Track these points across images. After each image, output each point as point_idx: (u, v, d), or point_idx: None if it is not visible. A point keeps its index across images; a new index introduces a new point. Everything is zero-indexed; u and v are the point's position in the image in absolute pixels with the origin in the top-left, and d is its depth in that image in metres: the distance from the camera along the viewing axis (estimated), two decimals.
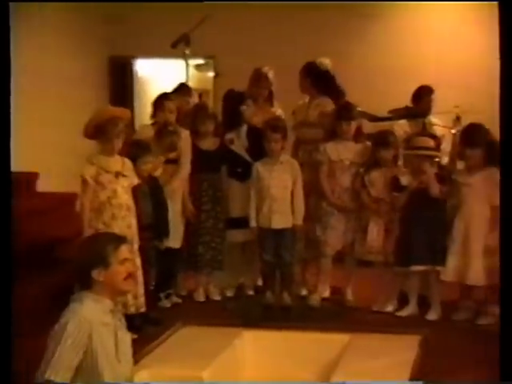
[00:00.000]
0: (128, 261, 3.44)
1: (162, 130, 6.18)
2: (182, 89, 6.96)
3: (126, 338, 3.46)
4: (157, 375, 4.67)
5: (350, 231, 6.27)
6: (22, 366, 3.77)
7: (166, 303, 6.26)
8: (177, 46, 7.49)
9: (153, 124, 6.41)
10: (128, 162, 5.47)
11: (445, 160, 6.56)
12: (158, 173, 6.04)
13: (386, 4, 8.90)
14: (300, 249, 6.45)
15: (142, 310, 5.43)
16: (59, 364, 3.12)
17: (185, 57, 7.58)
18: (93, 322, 3.22)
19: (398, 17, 9.05)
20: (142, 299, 5.43)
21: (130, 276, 3.48)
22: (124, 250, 3.41)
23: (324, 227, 6.29)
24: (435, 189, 5.85)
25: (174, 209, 6.20)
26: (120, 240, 3.48)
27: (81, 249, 3.62)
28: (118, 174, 5.34)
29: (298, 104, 6.72)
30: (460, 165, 6.20)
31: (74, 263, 3.60)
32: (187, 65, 7.66)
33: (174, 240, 6.20)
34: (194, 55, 7.98)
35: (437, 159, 6.14)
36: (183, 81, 7.39)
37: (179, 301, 6.41)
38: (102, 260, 3.29)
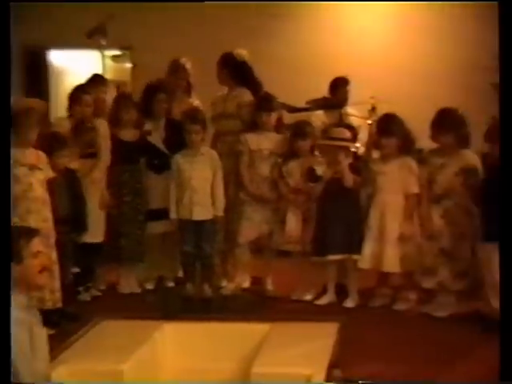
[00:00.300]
0: (42, 254, 3.38)
1: (79, 126, 6.10)
2: (97, 80, 6.87)
3: (42, 333, 3.40)
4: (75, 371, 4.59)
5: (266, 222, 6.32)
6: None
7: (86, 297, 6.20)
8: (92, 37, 7.38)
9: (69, 117, 6.31)
10: (42, 155, 5.37)
11: (361, 150, 6.68)
12: (75, 166, 5.95)
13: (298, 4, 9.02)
14: (220, 240, 6.47)
15: (59, 305, 5.35)
16: None
17: (101, 48, 7.48)
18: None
19: (309, 16, 9.18)
20: (58, 294, 5.34)
21: (45, 269, 3.42)
22: (37, 243, 3.34)
23: (239, 217, 6.32)
24: (349, 180, 5.95)
25: (93, 202, 6.13)
26: (32, 233, 3.41)
27: None
28: (32, 167, 5.24)
29: (216, 95, 6.72)
30: (376, 154, 6.33)
31: None
32: (103, 56, 7.56)
33: (95, 234, 6.13)
34: (111, 46, 7.88)
35: (353, 149, 6.25)
36: (99, 72, 7.29)
37: (99, 294, 6.34)
38: (14, 255, 3.22)
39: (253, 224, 6.31)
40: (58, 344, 4.70)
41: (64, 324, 5.30)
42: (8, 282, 3.16)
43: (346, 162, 6.01)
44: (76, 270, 5.98)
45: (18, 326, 3.19)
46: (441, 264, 5.64)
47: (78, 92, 6.32)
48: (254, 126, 6.35)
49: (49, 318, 4.09)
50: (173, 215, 6.22)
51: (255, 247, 6.49)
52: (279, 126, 6.44)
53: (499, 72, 3.14)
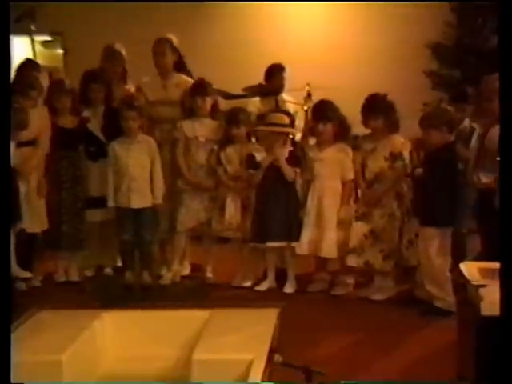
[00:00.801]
0: None
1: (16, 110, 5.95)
2: (29, 65, 6.73)
3: None
4: (14, 361, 4.54)
5: (205, 209, 6.31)
6: None
7: (22, 286, 6.08)
8: (21, 21, 7.21)
9: None
10: None
11: (298, 136, 6.72)
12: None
13: None
14: (159, 228, 6.44)
15: None
16: None
17: (30, 33, 7.32)
18: None
19: (245, 3, 9.18)
20: None
21: None
22: None
23: (177, 205, 6.31)
24: (289, 173, 5.99)
25: (30, 190, 6.01)
26: None
27: None
28: None
29: (148, 81, 6.63)
30: (312, 141, 6.38)
31: None
32: (33, 41, 7.40)
33: (35, 222, 6.03)
34: (41, 32, 7.72)
35: (291, 136, 6.28)
36: (30, 57, 7.14)
37: (37, 284, 6.24)
38: None
39: (191, 211, 6.30)
40: None
41: None
42: (8, 281, 3.06)
43: (284, 149, 6.04)
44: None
45: None
46: (368, 245, 5.75)
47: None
48: (189, 112, 6.32)
49: None
50: (110, 203, 6.17)
51: (194, 234, 6.48)
52: (215, 113, 6.42)
53: (499, 72, 3.15)
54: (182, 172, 6.30)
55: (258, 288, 6.13)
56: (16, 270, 6.08)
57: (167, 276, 6.38)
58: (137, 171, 6.12)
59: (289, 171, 5.98)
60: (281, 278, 6.16)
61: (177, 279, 6.38)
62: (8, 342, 0.70)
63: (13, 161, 5.78)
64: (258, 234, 6.06)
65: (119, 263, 6.56)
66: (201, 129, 6.30)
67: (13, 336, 4.93)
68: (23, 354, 4.65)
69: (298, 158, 6.05)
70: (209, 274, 6.41)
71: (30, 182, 6.03)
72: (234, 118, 6.21)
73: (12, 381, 4.27)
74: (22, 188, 5.92)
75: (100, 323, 5.37)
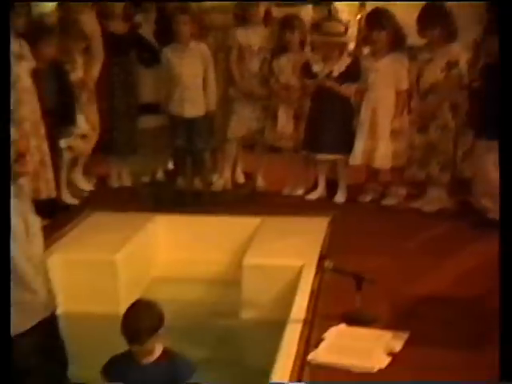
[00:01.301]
0: (15, 142, 3.28)
1: (65, 18, 5.94)
2: None
3: (36, 221, 3.39)
4: (69, 260, 4.69)
5: (256, 118, 6.27)
6: None
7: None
8: None
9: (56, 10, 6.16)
10: (25, 45, 5.24)
11: (351, 46, 6.58)
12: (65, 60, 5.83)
13: None
14: (211, 136, 6.45)
15: (53, 195, 5.33)
16: None
17: None
18: None
19: None
20: (51, 184, 5.32)
21: (21, 156, 3.35)
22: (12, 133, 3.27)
23: (230, 113, 6.29)
24: (345, 91, 5.88)
25: (85, 96, 6.04)
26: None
27: None
28: (18, 57, 5.12)
29: None
30: (366, 51, 6.25)
31: None
32: None
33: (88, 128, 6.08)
34: None
35: (346, 46, 6.15)
36: None
37: (91, 188, 6.35)
38: None
39: (242, 120, 6.27)
40: (52, 234, 4.76)
41: (57, 214, 5.31)
42: (8, 282, 3.10)
43: (341, 61, 5.91)
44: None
45: (12, 213, 3.19)
46: (429, 157, 5.69)
47: None
48: (242, 20, 6.21)
49: (42, 208, 4.07)
50: (164, 111, 6.19)
51: (246, 143, 6.48)
52: (268, 20, 6.30)
53: (499, 72, 3.05)
54: (234, 80, 6.24)
55: (308, 197, 6.14)
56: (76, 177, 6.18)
57: (219, 183, 6.42)
58: (190, 80, 6.08)
59: (344, 90, 5.87)
60: (331, 187, 6.15)
61: (228, 186, 6.42)
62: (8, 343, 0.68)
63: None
64: (311, 145, 6.03)
65: (171, 168, 6.61)
66: (254, 37, 6.20)
67: (70, 235, 5.11)
68: (80, 252, 4.82)
69: (354, 72, 5.90)
70: (260, 183, 6.43)
71: (84, 89, 6.03)
72: (287, 23, 6.08)
73: (65, 276, 4.40)
74: (77, 94, 5.91)
75: (153, 226, 5.51)
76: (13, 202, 3.20)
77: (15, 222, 3.19)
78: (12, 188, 3.21)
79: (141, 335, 2.95)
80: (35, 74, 5.29)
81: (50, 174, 5.32)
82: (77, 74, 5.91)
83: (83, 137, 5.98)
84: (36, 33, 5.43)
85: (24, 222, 3.27)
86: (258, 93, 6.23)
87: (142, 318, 2.99)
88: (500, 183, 2.73)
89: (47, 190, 5.27)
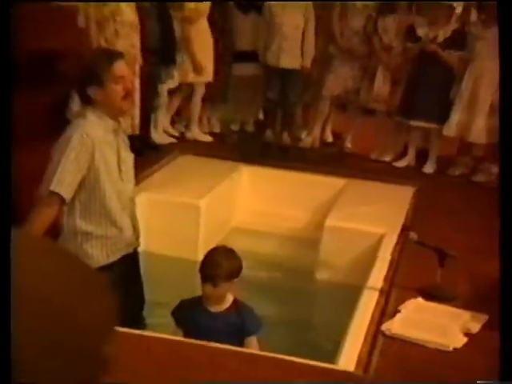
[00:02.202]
0: (125, 79, 3.23)
1: None
2: None
3: (129, 158, 3.40)
4: (154, 200, 4.74)
5: (353, 77, 6.16)
6: (24, 177, 3.76)
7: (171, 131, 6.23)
8: None
9: None
10: None
11: (458, 10, 6.35)
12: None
13: None
14: (304, 90, 6.38)
15: (137, 132, 5.33)
16: (62, 178, 3.09)
17: None
18: (95, 138, 3.14)
19: None
20: (137, 121, 5.34)
21: (129, 94, 3.35)
22: (119, 68, 3.20)
23: (326, 70, 6.19)
24: (449, 58, 5.69)
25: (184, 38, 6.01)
26: (114, 56, 3.25)
27: (78, 65, 3.48)
28: None
29: None
30: (474, 17, 6.02)
31: (72, 80, 3.50)
32: None
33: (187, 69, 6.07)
34: None
35: (455, 7, 5.93)
36: None
37: (181, 130, 6.37)
38: (95, 78, 3.13)
39: (339, 78, 6.16)
40: (140, 172, 4.80)
41: (146, 153, 5.35)
42: (7, 282, 3.09)
43: (448, 25, 5.71)
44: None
45: (107, 147, 3.22)
46: None
47: None
48: None
49: (133, 145, 4.10)
50: (260, 60, 6.14)
51: (339, 102, 6.38)
52: None
53: (499, 72, 2.86)
54: (335, 37, 6.13)
55: (396, 164, 6.03)
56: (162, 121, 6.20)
57: (307, 140, 6.36)
58: (290, 30, 6.00)
59: (448, 57, 5.68)
60: (421, 157, 6.01)
61: (316, 144, 6.36)
62: (8, 342, 0.68)
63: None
64: (406, 110, 5.89)
65: (261, 120, 6.58)
66: None
67: (157, 175, 5.16)
68: (166, 193, 4.87)
69: (460, 38, 5.69)
70: (348, 144, 6.35)
71: (185, 31, 6.00)
72: None
73: (145, 216, 4.43)
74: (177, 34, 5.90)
75: (238, 175, 5.52)
76: (108, 136, 3.23)
77: (109, 156, 3.23)
78: (109, 122, 3.24)
79: (217, 277, 2.97)
80: (140, 10, 5.29)
81: (137, 111, 5.33)
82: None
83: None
84: None
85: (117, 157, 3.29)
86: (358, 51, 6.10)
87: (221, 262, 3.01)
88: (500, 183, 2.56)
89: (132, 127, 5.29)
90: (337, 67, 6.15)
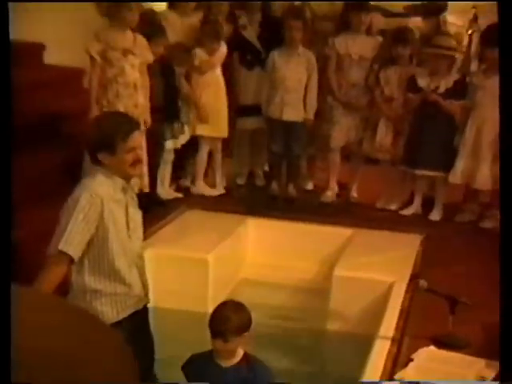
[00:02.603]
0: (137, 148, 3.28)
1: (206, 17, 6.06)
2: None
3: (137, 215, 3.44)
4: (162, 255, 4.75)
5: (355, 128, 6.20)
6: (29, 237, 3.79)
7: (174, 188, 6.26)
8: None
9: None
10: (141, 39, 5.30)
11: (459, 61, 6.43)
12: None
13: None
14: (308, 142, 6.42)
15: (146, 190, 5.37)
16: (71, 237, 3.12)
17: None
18: (104, 197, 3.19)
19: None
20: (145, 179, 5.38)
21: (138, 162, 3.36)
22: (134, 139, 3.24)
23: (329, 122, 6.24)
24: (451, 108, 5.74)
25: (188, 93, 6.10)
26: (132, 126, 3.29)
27: (92, 127, 3.51)
28: (125, 52, 5.19)
29: None
30: (474, 66, 6.09)
31: (84, 140, 3.53)
32: None
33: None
34: None
35: (456, 58, 6.01)
36: None
37: (188, 185, 6.38)
38: (109, 146, 3.18)
39: (342, 129, 6.22)
40: (147, 228, 4.82)
41: (153, 209, 5.36)
42: (7, 282, 3.14)
43: (449, 76, 5.78)
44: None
45: (115, 205, 3.25)
46: None
47: None
48: (344, 27, 6.15)
49: (140, 201, 4.13)
50: (263, 113, 6.21)
51: (343, 153, 6.41)
52: (369, 29, 6.21)
53: (499, 72, 2.90)
54: (332, 90, 6.17)
55: (403, 212, 6.03)
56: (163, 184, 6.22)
57: (324, 195, 6.29)
58: (293, 84, 6.07)
59: (449, 106, 5.74)
60: (427, 204, 6.02)
61: (331, 197, 6.32)
62: (8, 343, 0.69)
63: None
64: (410, 160, 5.91)
65: (266, 172, 6.63)
66: (354, 46, 6.11)
67: (164, 230, 5.18)
68: (173, 248, 4.88)
69: (461, 88, 5.75)
70: (354, 194, 6.36)
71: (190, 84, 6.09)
72: (401, 36, 5.95)
73: (153, 272, 4.44)
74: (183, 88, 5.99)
75: (245, 229, 5.53)
76: (117, 194, 3.26)
77: (118, 214, 3.26)
78: (119, 181, 3.27)
79: (227, 332, 2.96)
80: (148, 69, 5.38)
81: (144, 169, 5.36)
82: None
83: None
84: (150, 29, 5.52)
85: (126, 215, 3.32)
86: (357, 103, 6.16)
87: (231, 316, 3.00)
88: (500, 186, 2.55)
89: (141, 185, 5.32)
90: (339, 118, 6.21)
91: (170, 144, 5.82)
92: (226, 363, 3.05)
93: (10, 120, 1.48)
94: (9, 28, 1.64)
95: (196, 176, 6.29)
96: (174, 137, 5.81)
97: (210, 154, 6.33)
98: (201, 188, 6.23)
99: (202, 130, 6.10)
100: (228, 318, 2.99)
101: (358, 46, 6.11)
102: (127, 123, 3.33)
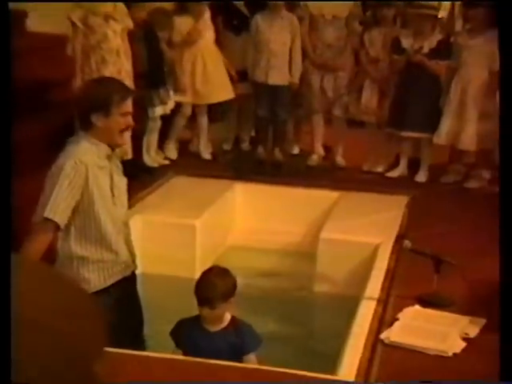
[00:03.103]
0: (129, 115, 3.32)
1: None
2: None
3: (122, 182, 3.44)
4: (149, 222, 4.77)
5: (333, 90, 6.16)
6: (22, 204, 3.78)
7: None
8: None
9: None
10: (121, 6, 5.28)
11: (442, 16, 6.41)
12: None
13: None
14: (293, 106, 6.40)
15: (128, 156, 5.28)
16: (56, 204, 3.12)
17: None
18: (89, 164, 3.18)
19: None
20: (128, 146, 5.32)
21: (127, 129, 3.41)
22: (129, 104, 3.29)
23: (307, 85, 6.21)
24: (435, 68, 5.72)
25: (177, 60, 6.05)
26: (127, 93, 3.35)
27: (86, 90, 3.53)
28: (107, 17, 5.17)
29: None
30: (458, 26, 6.08)
31: (75, 104, 3.53)
32: None
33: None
34: None
35: (439, 18, 6.00)
36: None
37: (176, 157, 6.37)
38: (104, 107, 3.19)
39: (319, 91, 6.18)
40: (134, 195, 4.83)
41: (139, 176, 5.36)
42: (7, 282, 3.12)
43: (432, 37, 5.76)
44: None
45: (100, 172, 3.25)
46: None
47: None
48: None
49: (126, 169, 4.14)
50: (249, 78, 6.19)
51: (327, 116, 6.40)
52: None
53: (499, 73, 2.92)
54: (307, 52, 6.12)
55: (389, 174, 6.05)
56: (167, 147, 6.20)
57: (310, 158, 6.28)
58: (277, 47, 6.04)
59: (434, 66, 5.73)
60: (413, 166, 6.05)
61: (317, 161, 6.32)
62: (8, 343, 0.70)
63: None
64: (395, 122, 5.92)
65: (253, 137, 6.63)
66: (326, 5, 6.03)
67: (151, 197, 5.19)
68: (160, 214, 4.89)
69: (445, 48, 5.74)
70: (339, 157, 6.36)
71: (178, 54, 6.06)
72: None
73: (141, 238, 4.46)
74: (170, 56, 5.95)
75: (232, 194, 5.55)
76: (102, 161, 3.26)
77: (103, 181, 3.26)
78: (104, 148, 3.27)
79: (213, 299, 2.99)
80: (129, 36, 5.35)
81: (128, 135, 5.32)
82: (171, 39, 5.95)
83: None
84: None
85: (110, 182, 3.32)
86: (333, 64, 6.09)
87: (216, 283, 3.03)
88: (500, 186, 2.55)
89: (123, 152, 5.27)
90: (315, 80, 6.17)
91: (159, 110, 5.78)
92: (214, 328, 3.09)
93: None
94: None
95: (168, 139, 6.25)
96: (163, 103, 5.78)
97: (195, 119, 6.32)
98: (170, 152, 6.19)
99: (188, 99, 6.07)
100: (214, 285, 3.01)
101: (330, 6, 6.03)
102: (124, 88, 3.41)
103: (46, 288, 0.82)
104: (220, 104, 6.29)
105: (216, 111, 6.40)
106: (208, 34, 6.13)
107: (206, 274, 3.13)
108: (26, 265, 0.86)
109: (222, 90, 6.17)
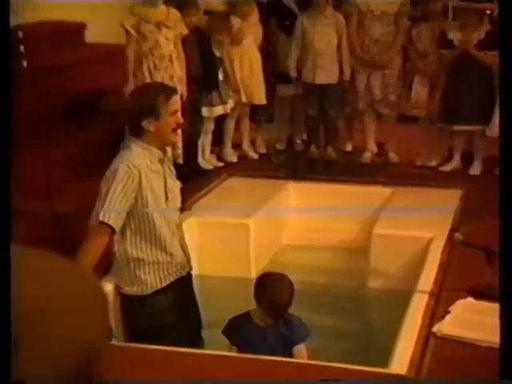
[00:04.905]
0: (177, 113, 3.45)
1: None
2: None
3: (175, 185, 3.54)
4: (204, 223, 4.87)
5: (380, 87, 6.14)
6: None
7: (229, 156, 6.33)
8: None
9: None
10: (174, 12, 5.38)
11: (495, 12, 6.34)
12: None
13: None
14: (344, 104, 6.43)
15: (180, 161, 5.37)
16: (111, 208, 3.23)
17: None
18: (142, 168, 3.29)
19: None
20: (179, 150, 5.41)
21: (179, 127, 3.52)
22: (174, 102, 3.41)
23: (353, 83, 6.19)
24: (483, 58, 5.67)
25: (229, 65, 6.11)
26: (171, 91, 3.46)
27: (132, 98, 3.65)
28: (159, 25, 5.29)
29: None
30: None
31: (125, 112, 3.64)
32: None
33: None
34: None
35: (488, 12, 5.95)
36: None
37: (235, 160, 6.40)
38: (152, 110, 3.30)
39: (366, 88, 6.18)
40: (188, 197, 4.94)
41: (194, 178, 5.46)
42: (8, 282, 3.19)
43: (481, 28, 5.72)
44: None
45: (153, 176, 3.36)
46: None
47: None
48: None
49: (181, 172, 4.24)
50: (292, 74, 6.20)
51: (377, 113, 6.39)
52: None
53: (499, 73, 2.89)
54: (354, 49, 6.11)
55: (442, 168, 6.03)
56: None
57: (363, 156, 6.30)
58: (322, 46, 6.06)
59: (483, 57, 5.68)
60: (466, 159, 6.01)
61: (369, 158, 6.34)
62: (8, 343, 0.73)
63: None
64: (447, 116, 5.89)
65: (305, 137, 6.68)
66: (375, 1, 6.02)
67: (205, 199, 5.30)
68: (214, 215, 4.99)
69: (495, 39, 5.68)
70: (392, 153, 6.35)
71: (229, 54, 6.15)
72: None
73: (196, 240, 4.55)
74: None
75: (285, 193, 5.61)
76: (155, 165, 3.37)
77: (156, 184, 3.36)
78: (157, 152, 3.37)
79: (280, 311, 3.09)
80: (183, 41, 5.45)
81: (179, 140, 5.41)
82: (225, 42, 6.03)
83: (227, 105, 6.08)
84: (183, 1, 5.59)
85: (164, 185, 3.42)
86: (380, 60, 6.08)
87: (282, 294, 3.12)
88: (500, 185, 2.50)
89: (175, 156, 5.36)
90: (362, 77, 6.17)
91: (219, 110, 5.89)
92: (265, 323, 3.16)
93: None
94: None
95: (224, 143, 6.34)
96: (211, 105, 5.87)
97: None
98: (229, 156, 6.29)
99: (241, 99, 6.16)
100: (279, 297, 3.10)
101: (380, 3, 6.04)
102: (165, 88, 3.52)
103: (50, 280, 0.85)
104: (264, 106, 6.35)
105: (262, 113, 6.46)
106: (253, 35, 6.18)
107: (271, 283, 3.16)
108: (37, 257, 0.87)
109: (262, 93, 6.22)
